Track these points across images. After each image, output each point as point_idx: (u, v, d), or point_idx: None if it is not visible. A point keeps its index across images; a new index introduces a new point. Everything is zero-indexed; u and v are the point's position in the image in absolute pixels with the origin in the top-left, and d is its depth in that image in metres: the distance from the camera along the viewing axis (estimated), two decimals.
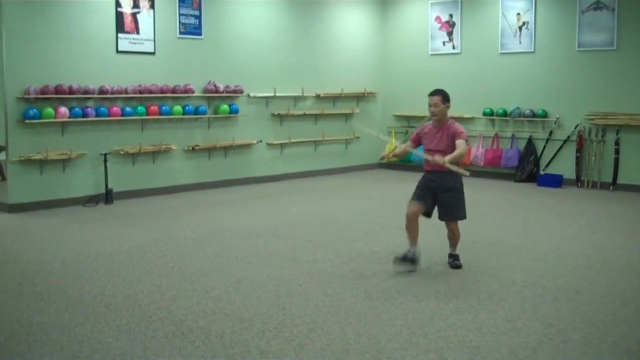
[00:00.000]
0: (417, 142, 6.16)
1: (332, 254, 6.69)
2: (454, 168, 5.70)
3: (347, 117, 12.88)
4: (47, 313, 4.96)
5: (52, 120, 8.91)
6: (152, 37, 10.01)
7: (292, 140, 11.88)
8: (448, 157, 5.70)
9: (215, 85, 10.65)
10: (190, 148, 10.52)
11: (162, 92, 10.02)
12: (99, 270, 6.08)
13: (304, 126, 12.11)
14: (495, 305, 5.15)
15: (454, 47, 12.59)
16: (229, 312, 4.99)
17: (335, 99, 12.64)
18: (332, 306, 5.12)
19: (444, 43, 12.70)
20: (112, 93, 9.47)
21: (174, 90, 10.16)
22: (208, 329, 4.63)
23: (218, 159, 11.03)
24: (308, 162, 12.33)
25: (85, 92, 9.19)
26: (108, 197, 9.45)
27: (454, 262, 6.21)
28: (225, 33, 10.98)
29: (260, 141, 11.53)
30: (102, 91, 9.38)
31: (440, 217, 6.12)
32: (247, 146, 11.38)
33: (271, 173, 11.77)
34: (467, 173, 5.80)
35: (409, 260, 6.01)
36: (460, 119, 12.38)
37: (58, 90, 8.94)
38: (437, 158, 5.71)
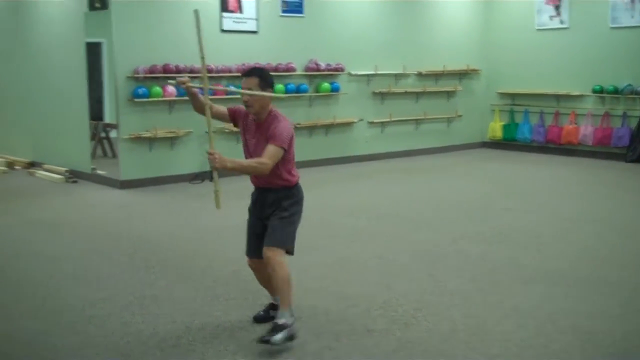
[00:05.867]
0: (233, 118, 4.51)
1: (436, 234, 6.61)
2: (217, 192, 4.23)
3: (449, 95, 12.67)
4: (158, 286, 5.13)
5: (160, 98, 9.17)
6: (255, 16, 10.11)
7: (393, 119, 11.77)
8: (230, 164, 4.11)
9: (316, 64, 10.68)
10: (292, 126, 10.59)
11: None
12: (206, 246, 6.24)
13: (405, 104, 11.98)
14: (607, 289, 4.97)
15: (561, 22, 12.13)
16: (333, 290, 5.03)
17: (437, 76, 12.44)
18: (437, 287, 5.07)
19: (551, 17, 12.26)
20: (217, 72, 9.64)
21: (276, 69, 10.24)
22: (314, 306, 4.68)
23: (319, 137, 11.07)
24: (409, 141, 12.20)
25: (192, 71, 9.39)
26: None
27: (264, 336, 3.93)
28: (327, 11, 10.96)
29: (361, 119, 11.49)
30: (207, 70, 9.54)
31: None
32: (348, 124, 11.37)
33: (372, 152, 11.71)
34: (218, 206, 4.30)
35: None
36: (568, 97, 11.97)
37: (165, 69, 9.17)
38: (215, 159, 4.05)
